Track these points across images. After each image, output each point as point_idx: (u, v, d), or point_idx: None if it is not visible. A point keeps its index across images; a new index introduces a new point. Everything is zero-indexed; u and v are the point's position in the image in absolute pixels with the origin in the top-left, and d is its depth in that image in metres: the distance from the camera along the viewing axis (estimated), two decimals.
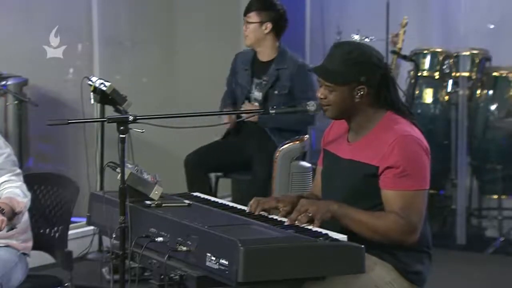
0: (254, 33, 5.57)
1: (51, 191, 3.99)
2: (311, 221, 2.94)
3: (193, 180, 5.56)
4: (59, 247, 3.89)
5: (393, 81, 3.17)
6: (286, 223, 2.97)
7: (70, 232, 3.97)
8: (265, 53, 5.60)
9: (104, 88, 5.18)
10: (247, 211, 3.17)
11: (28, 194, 3.63)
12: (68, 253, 3.83)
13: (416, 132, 3.08)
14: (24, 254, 3.74)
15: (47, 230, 3.95)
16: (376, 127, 3.10)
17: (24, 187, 3.63)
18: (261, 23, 5.55)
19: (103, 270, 5.16)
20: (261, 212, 3.14)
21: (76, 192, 3.91)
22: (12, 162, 3.67)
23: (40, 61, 5.93)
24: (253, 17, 5.57)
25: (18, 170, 3.68)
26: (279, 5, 5.64)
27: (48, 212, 3.96)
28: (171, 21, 7.06)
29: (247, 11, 5.60)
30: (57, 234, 3.91)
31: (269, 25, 5.56)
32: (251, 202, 3.19)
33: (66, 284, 3.85)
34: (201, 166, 5.65)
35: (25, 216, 3.76)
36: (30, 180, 3.97)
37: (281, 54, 5.57)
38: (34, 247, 3.83)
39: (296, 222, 2.95)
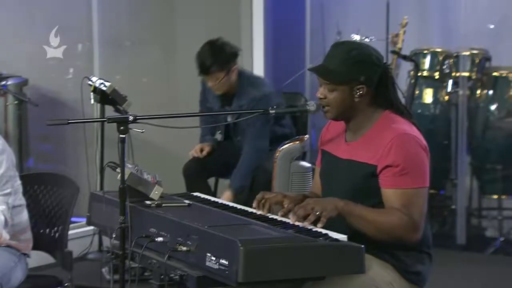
0: (225, 84, 5.47)
1: (51, 191, 3.99)
2: (317, 219, 2.93)
3: (194, 188, 5.54)
4: (59, 247, 3.89)
5: (392, 80, 3.17)
6: (291, 221, 2.95)
7: (70, 232, 3.97)
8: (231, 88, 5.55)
9: (104, 88, 5.18)
10: (253, 206, 3.15)
11: (9, 220, 3.58)
12: (68, 253, 3.84)
13: (414, 131, 3.07)
14: (24, 254, 3.74)
15: (47, 230, 3.95)
16: (374, 126, 3.10)
17: (6, 211, 3.57)
18: (227, 73, 5.45)
19: (103, 270, 5.16)
20: (259, 212, 3.13)
21: (76, 192, 3.91)
22: (6, 179, 3.61)
23: (40, 61, 5.93)
24: (218, 74, 5.43)
25: (8, 190, 3.60)
26: (230, 46, 5.50)
27: (48, 212, 3.97)
28: (171, 21, 7.06)
29: (208, 71, 5.42)
30: (57, 234, 3.92)
31: (235, 69, 5.48)
32: (258, 196, 3.16)
33: (66, 284, 3.85)
34: (201, 172, 5.66)
35: (25, 216, 3.77)
36: (30, 180, 3.98)
37: (240, 87, 5.50)
38: (34, 247, 3.83)
39: (306, 221, 2.91)
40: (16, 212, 3.67)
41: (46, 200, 3.99)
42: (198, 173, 5.63)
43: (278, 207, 3.16)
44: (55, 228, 3.92)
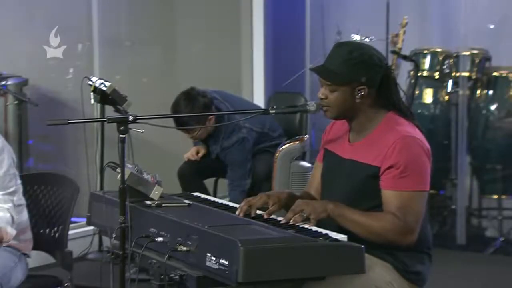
0: (202, 133, 5.51)
1: (51, 191, 3.99)
2: (306, 220, 2.94)
3: (190, 190, 5.54)
4: (59, 247, 3.89)
5: (394, 81, 3.16)
6: (281, 222, 2.96)
7: (70, 232, 3.97)
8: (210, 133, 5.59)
9: (104, 88, 5.18)
10: (239, 214, 3.08)
11: (15, 217, 3.60)
12: (68, 253, 3.84)
13: (417, 133, 3.07)
14: (24, 254, 3.74)
15: (47, 230, 3.95)
16: (378, 128, 3.09)
17: (12, 209, 3.59)
18: (204, 122, 5.44)
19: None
20: (258, 212, 3.12)
21: (76, 192, 3.91)
22: (10, 177, 3.62)
23: (40, 61, 5.94)
24: (196, 125, 5.43)
25: (12, 188, 3.62)
26: (203, 97, 5.44)
27: (48, 212, 3.97)
28: (171, 21, 7.06)
29: (186, 124, 5.38)
30: (57, 234, 3.92)
31: (212, 118, 5.44)
32: (241, 204, 3.13)
33: (66, 284, 3.85)
34: (196, 174, 5.66)
35: (25, 216, 3.77)
36: (30, 180, 3.98)
37: (216, 131, 5.53)
38: (34, 247, 3.83)
39: (291, 221, 2.95)
40: (17, 212, 3.67)
41: (46, 200, 3.99)
42: (193, 176, 5.63)
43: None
44: (55, 228, 3.92)
